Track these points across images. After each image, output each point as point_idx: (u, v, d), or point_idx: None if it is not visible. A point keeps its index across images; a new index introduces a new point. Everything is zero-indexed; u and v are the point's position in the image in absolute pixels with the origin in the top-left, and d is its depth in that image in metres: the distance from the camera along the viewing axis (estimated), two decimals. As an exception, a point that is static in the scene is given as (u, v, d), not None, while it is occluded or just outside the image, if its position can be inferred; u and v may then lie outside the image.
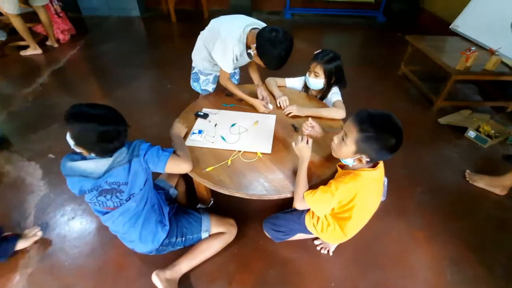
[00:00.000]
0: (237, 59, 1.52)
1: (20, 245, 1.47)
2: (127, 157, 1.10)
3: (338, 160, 1.23)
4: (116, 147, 1.07)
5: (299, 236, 1.47)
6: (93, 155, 1.07)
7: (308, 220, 1.34)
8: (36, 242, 1.51)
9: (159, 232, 1.27)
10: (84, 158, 1.09)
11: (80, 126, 0.98)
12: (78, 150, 1.07)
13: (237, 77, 2.01)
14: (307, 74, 1.74)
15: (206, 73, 1.84)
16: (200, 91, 1.93)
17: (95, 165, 1.07)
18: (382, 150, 0.97)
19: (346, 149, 1.04)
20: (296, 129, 1.53)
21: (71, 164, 1.08)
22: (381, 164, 1.11)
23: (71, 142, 1.05)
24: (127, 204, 1.14)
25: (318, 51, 1.69)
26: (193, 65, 1.87)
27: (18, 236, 1.48)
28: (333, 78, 1.68)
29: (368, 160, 1.02)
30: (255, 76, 1.82)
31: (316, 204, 1.11)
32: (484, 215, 1.77)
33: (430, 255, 1.54)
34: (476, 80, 3.06)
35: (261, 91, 1.74)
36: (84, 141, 1.02)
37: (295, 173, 1.25)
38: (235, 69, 1.75)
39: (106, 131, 1.00)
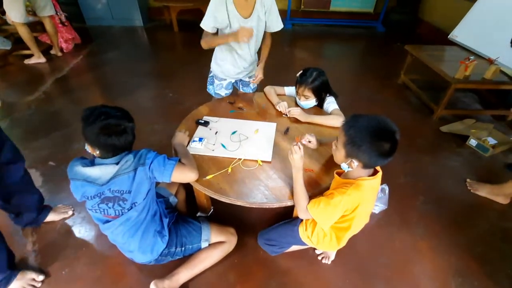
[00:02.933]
0: (216, 14, 1.48)
1: (50, 217, 1.63)
2: (132, 165, 1.09)
3: (337, 167, 1.23)
4: (115, 144, 1.05)
5: (295, 247, 1.46)
6: (98, 158, 1.08)
7: (302, 233, 1.31)
8: (64, 219, 1.66)
9: (158, 242, 1.25)
10: (92, 163, 1.09)
11: (88, 121, 1.01)
12: (89, 150, 1.09)
13: (253, 86, 2.01)
14: (296, 98, 1.76)
15: (220, 78, 1.88)
16: (213, 95, 1.98)
17: (101, 172, 1.07)
18: (372, 153, 0.94)
19: (338, 154, 1.05)
20: (286, 132, 1.54)
21: (78, 168, 1.09)
22: (380, 172, 1.10)
23: (85, 142, 1.08)
24: (129, 213, 1.13)
25: (300, 73, 1.68)
26: (210, 69, 1.92)
27: (50, 208, 1.64)
28: (322, 93, 1.70)
29: (360, 165, 1.00)
30: (264, 53, 1.83)
31: (321, 216, 1.09)
32: (488, 225, 1.75)
33: (434, 266, 1.51)
34: (476, 89, 3.08)
35: (258, 70, 1.81)
36: (89, 135, 1.03)
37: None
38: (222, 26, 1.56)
39: (108, 124, 1.01)
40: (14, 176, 1.39)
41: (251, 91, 2.01)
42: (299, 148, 1.14)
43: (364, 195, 1.05)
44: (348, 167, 1.03)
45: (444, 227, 1.71)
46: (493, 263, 1.54)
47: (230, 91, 1.97)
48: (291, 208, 1.48)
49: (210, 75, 1.94)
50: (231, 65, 1.77)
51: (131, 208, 1.13)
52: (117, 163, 1.08)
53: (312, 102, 1.71)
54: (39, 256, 1.49)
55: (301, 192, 1.13)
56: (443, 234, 1.67)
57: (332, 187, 1.13)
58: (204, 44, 1.63)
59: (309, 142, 1.36)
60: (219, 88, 1.92)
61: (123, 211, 1.12)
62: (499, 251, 1.60)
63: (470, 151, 2.32)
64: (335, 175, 1.16)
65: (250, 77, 1.95)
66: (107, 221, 1.16)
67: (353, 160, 1.00)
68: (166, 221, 1.30)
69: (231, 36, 1.52)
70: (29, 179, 1.50)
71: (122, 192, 1.09)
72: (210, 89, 1.98)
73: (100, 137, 1.01)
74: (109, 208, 1.11)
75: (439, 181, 2.05)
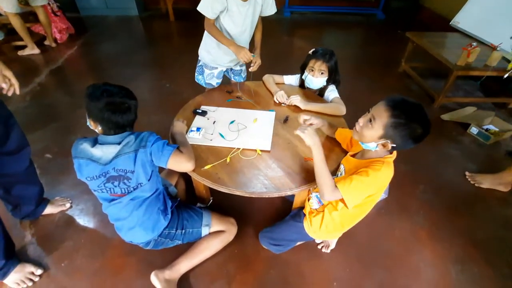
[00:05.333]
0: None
1: (48, 210, 1.62)
2: (133, 146, 1.09)
3: (340, 153, 1.19)
4: (119, 122, 1.06)
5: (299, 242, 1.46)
6: (101, 135, 1.09)
7: (307, 228, 1.29)
8: (62, 211, 1.66)
9: (161, 220, 1.25)
10: (95, 143, 1.10)
11: (93, 97, 1.03)
12: (91, 126, 1.09)
13: (243, 75, 1.96)
14: (307, 74, 1.70)
15: (210, 67, 1.82)
16: (204, 85, 1.92)
17: (103, 152, 1.08)
18: (410, 138, 0.96)
19: (372, 133, 1.00)
20: (285, 121, 1.52)
21: (83, 147, 1.09)
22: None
23: (86, 116, 1.09)
24: (135, 192, 1.14)
25: (315, 49, 1.67)
26: (199, 58, 1.85)
27: (48, 201, 1.63)
28: (333, 74, 1.67)
29: (394, 146, 1.00)
30: (257, 38, 1.76)
31: (353, 193, 1.03)
32: (488, 212, 1.75)
33: (434, 253, 1.52)
34: (477, 76, 3.04)
35: (255, 58, 1.66)
36: (93, 109, 1.04)
37: (295, 170, 1.22)
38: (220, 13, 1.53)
39: (113, 101, 1.04)
40: (19, 166, 1.38)
41: (242, 80, 1.96)
42: (304, 123, 1.14)
43: (391, 174, 1.05)
44: (376, 147, 1.02)
45: (444, 215, 1.71)
46: (493, 250, 1.54)
47: (221, 80, 1.91)
48: (291, 199, 1.47)
49: (199, 64, 1.87)
50: (224, 53, 1.71)
51: (137, 187, 1.13)
52: (119, 143, 1.08)
53: (324, 80, 1.67)
54: (38, 249, 1.48)
55: (326, 171, 1.07)
56: (443, 222, 1.67)
57: (352, 171, 1.08)
58: (207, 30, 1.61)
59: (311, 124, 1.28)
60: (210, 77, 1.85)
61: (128, 189, 1.13)
62: (499, 238, 1.60)
63: (471, 139, 2.30)
64: (350, 158, 1.13)
65: (241, 66, 1.89)
66: (113, 199, 1.16)
67: (388, 141, 0.98)
68: (169, 203, 1.31)
69: (233, 46, 1.55)
70: (33, 170, 1.49)
71: (126, 171, 1.10)
72: (200, 79, 1.90)
73: (104, 113, 1.03)
74: (115, 186, 1.12)
75: (439, 169, 2.03)
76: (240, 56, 1.54)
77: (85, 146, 1.09)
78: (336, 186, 1.05)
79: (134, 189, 1.14)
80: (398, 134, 0.96)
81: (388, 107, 0.96)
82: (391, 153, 1.06)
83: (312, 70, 1.66)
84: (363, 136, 1.04)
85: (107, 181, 1.10)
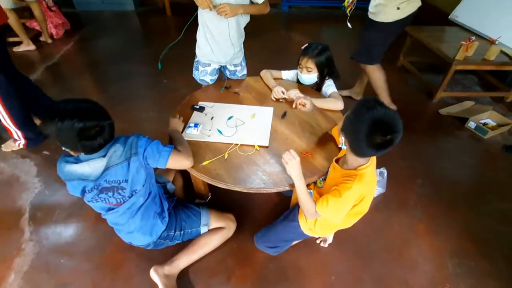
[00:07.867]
0: None
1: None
2: (123, 155, 1.04)
3: (334, 150, 1.20)
4: (102, 144, 0.99)
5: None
6: (83, 154, 1.01)
7: (303, 225, 1.29)
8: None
9: (158, 224, 1.24)
10: (78, 160, 1.03)
11: (56, 126, 0.88)
12: (70, 151, 1.03)
13: (240, 74, 1.90)
14: (298, 71, 1.71)
15: (203, 63, 1.79)
16: (198, 81, 1.90)
17: (91, 168, 1.02)
18: (358, 139, 0.90)
19: (338, 126, 1.06)
20: (283, 116, 1.52)
21: (68, 168, 1.02)
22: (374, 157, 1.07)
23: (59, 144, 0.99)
24: (131, 200, 1.11)
25: (305, 46, 1.66)
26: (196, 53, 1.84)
27: None
28: (325, 70, 1.66)
29: (346, 143, 1.00)
30: (254, 7, 1.58)
31: (332, 213, 1.06)
32: (486, 206, 1.76)
33: (431, 247, 1.53)
34: (476, 70, 3.04)
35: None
36: (65, 141, 0.94)
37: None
38: None
39: (86, 128, 0.90)
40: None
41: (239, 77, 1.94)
42: (291, 153, 1.11)
43: (368, 184, 1.04)
44: (343, 145, 1.04)
45: (442, 210, 1.72)
46: (490, 244, 1.55)
47: (216, 77, 1.86)
48: (288, 195, 1.48)
49: (196, 60, 1.85)
50: (210, 49, 1.67)
51: (132, 195, 1.11)
52: (104, 156, 1.02)
53: (313, 76, 1.66)
54: (37, 246, 1.49)
55: (307, 199, 1.10)
56: (441, 216, 1.68)
57: (334, 178, 1.10)
58: None
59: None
60: (203, 74, 1.83)
61: (124, 199, 1.10)
62: (496, 232, 1.62)
63: (469, 134, 2.31)
64: (334, 163, 1.14)
65: (235, 65, 1.83)
66: (110, 209, 1.14)
67: (342, 137, 1.01)
68: (166, 204, 1.29)
69: None
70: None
71: (119, 182, 1.06)
72: (196, 74, 1.88)
73: (84, 142, 0.94)
74: (110, 197, 1.08)
75: (437, 164, 2.04)
76: (198, 1, 1.44)
77: (71, 167, 1.02)
78: (316, 210, 1.09)
79: (129, 198, 1.11)
80: (348, 129, 0.97)
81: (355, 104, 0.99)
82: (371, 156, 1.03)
83: (301, 67, 1.67)
84: (337, 129, 1.10)
85: (100, 193, 1.07)
